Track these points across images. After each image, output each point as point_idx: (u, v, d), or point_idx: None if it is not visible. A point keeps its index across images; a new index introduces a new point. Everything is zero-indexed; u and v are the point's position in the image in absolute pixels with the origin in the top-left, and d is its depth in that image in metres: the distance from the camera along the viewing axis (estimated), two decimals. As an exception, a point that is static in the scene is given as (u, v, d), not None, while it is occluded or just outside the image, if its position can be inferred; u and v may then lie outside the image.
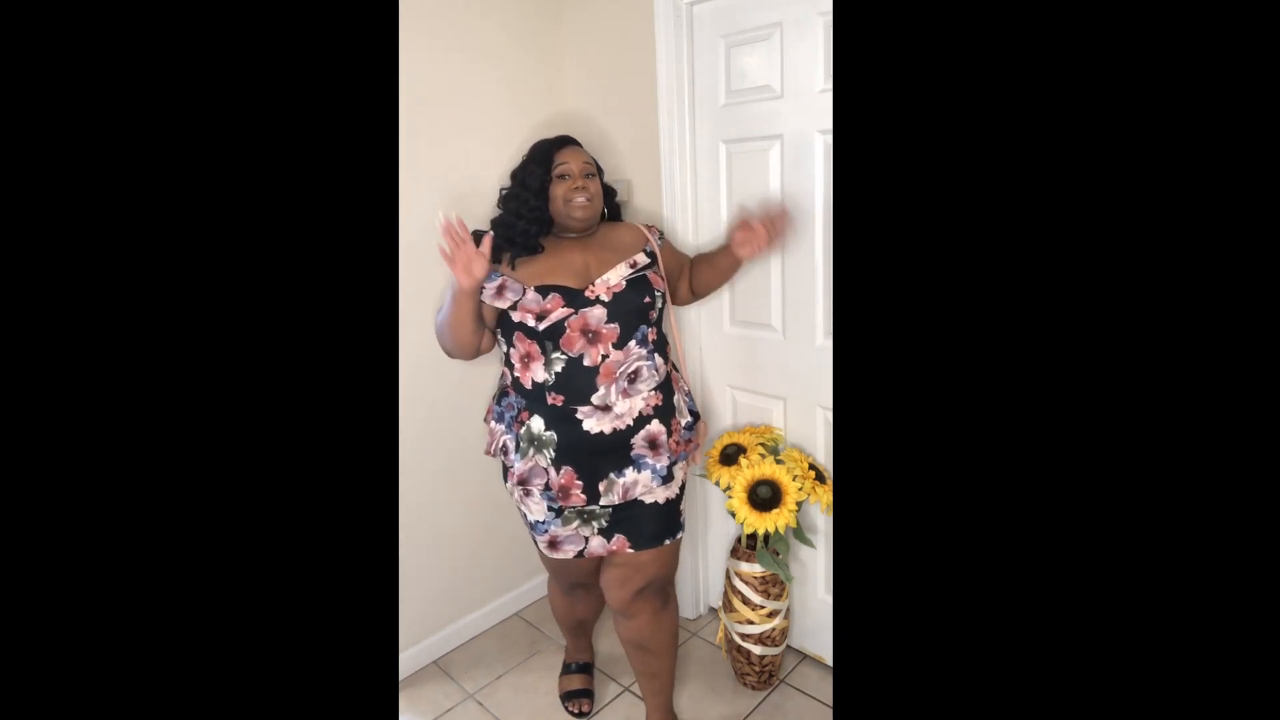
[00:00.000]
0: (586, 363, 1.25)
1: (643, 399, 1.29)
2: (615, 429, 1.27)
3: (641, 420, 1.29)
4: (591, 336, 1.25)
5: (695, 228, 1.75)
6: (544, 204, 1.30)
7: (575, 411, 1.26)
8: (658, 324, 1.35)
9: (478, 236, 1.30)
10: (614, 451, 1.29)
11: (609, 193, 1.45)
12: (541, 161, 1.31)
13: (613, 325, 1.26)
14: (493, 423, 1.39)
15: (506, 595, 2.02)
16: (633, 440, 1.29)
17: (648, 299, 1.30)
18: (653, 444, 1.31)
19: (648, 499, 1.34)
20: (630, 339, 1.28)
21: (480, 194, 1.71)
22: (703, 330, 1.81)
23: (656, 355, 1.32)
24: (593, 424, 1.26)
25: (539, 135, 1.48)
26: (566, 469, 1.29)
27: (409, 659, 1.79)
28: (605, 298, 1.26)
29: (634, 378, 1.28)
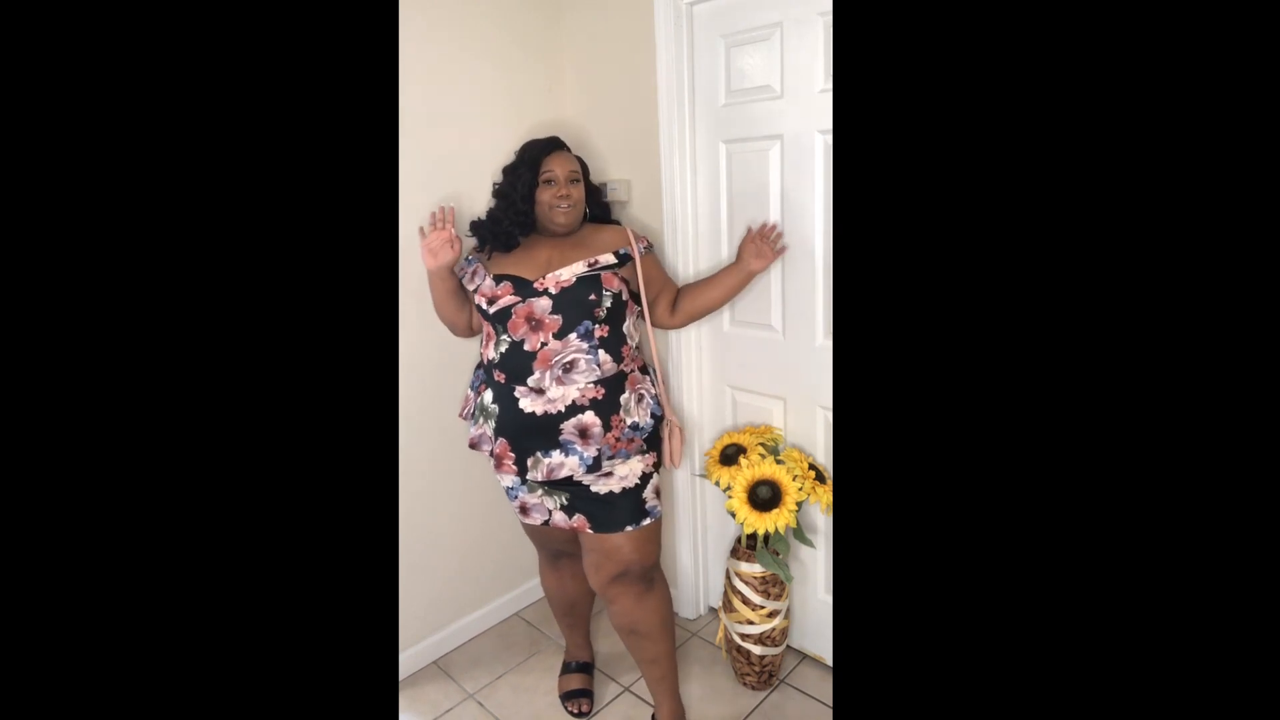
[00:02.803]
0: (526, 347, 1.36)
1: (578, 389, 1.36)
2: (546, 412, 1.36)
3: (575, 409, 1.36)
4: (534, 324, 1.35)
5: (695, 228, 1.74)
6: (529, 207, 1.42)
7: (514, 390, 1.38)
8: (609, 322, 1.39)
9: (476, 227, 1.47)
10: (542, 432, 1.37)
11: (595, 193, 1.54)
12: (530, 166, 1.41)
13: (555, 316, 1.35)
14: (469, 391, 1.53)
15: (506, 595, 2.02)
16: (562, 425, 1.37)
17: (593, 296, 1.37)
18: (583, 433, 1.37)
19: (600, 489, 1.40)
20: (571, 331, 1.36)
21: (480, 193, 1.71)
22: (703, 330, 1.81)
23: (601, 352, 1.37)
24: (527, 403, 1.37)
25: (538, 135, 1.50)
26: (502, 440, 1.40)
27: (409, 659, 1.79)
28: (553, 290, 1.36)
29: (569, 368, 1.36)
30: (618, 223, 1.57)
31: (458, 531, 1.86)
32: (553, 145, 1.45)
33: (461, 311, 1.51)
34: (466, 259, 1.47)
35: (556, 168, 1.41)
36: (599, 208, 1.54)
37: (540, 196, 1.41)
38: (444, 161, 1.67)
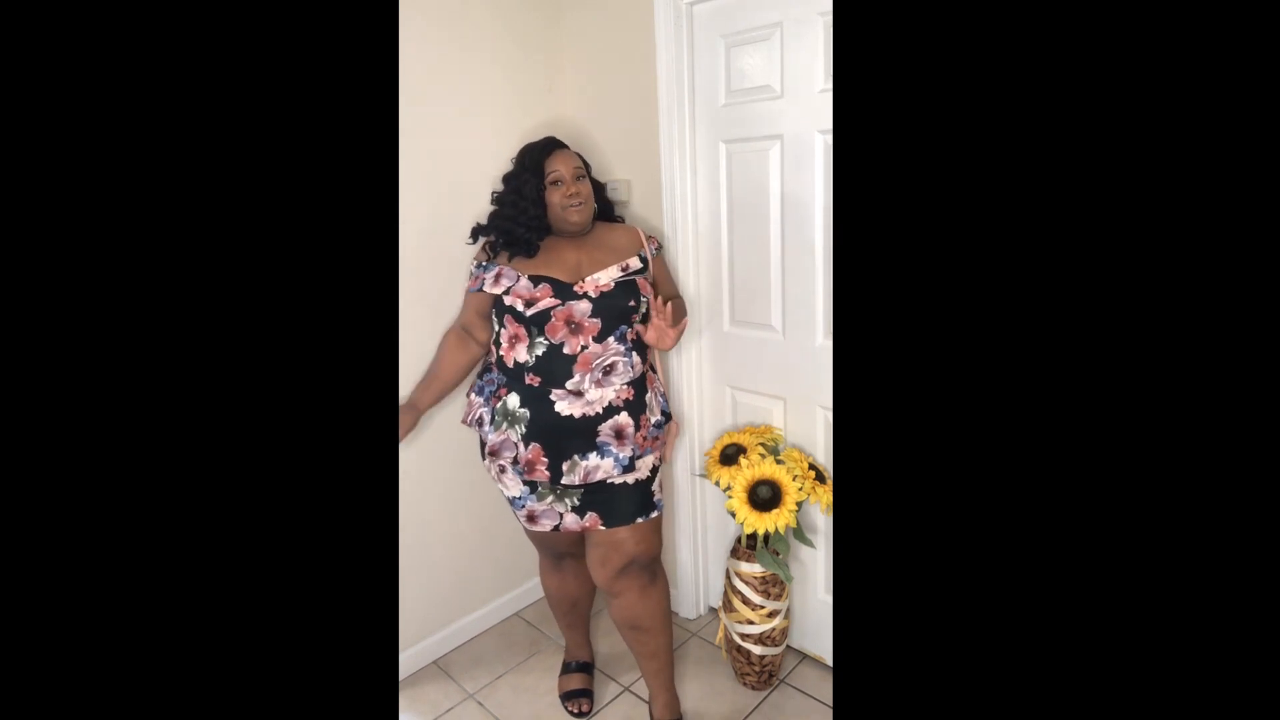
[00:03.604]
0: (566, 350, 1.34)
1: (615, 391, 1.37)
2: (585, 414, 1.36)
3: (611, 410, 1.38)
4: (574, 327, 1.34)
5: (695, 228, 1.75)
6: (542, 212, 1.39)
7: (550, 393, 1.36)
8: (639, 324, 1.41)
9: (478, 231, 1.46)
10: (580, 435, 1.37)
11: (599, 188, 1.53)
12: (534, 170, 1.39)
13: (595, 320, 1.35)
14: (472, 395, 1.49)
15: (506, 595, 2.02)
16: (600, 427, 1.38)
17: (632, 302, 1.38)
18: (619, 434, 1.38)
19: (616, 480, 1.41)
20: (610, 335, 1.36)
21: (479, 193, 1.71)
22: (703, 330, 1.81)
23: (634, 354, 1.40)
24: (564, 406, 1.36)
25: (538, 135, 1.50)
26: (534, 445, 1.38)
27: (409, 659, 1.79)
28: (593, 294, 1.36)
29: (609, 370, 1.36)
30: (622, 219, 1.58)
31: (458, 532, 1.86)
32: (552, 145, 1.43)
33: (469, 354, 1.49)
34: (481, 265, 1.43)
35: (561, 166, 1.39)
36: (604, 204, 1.54)
37: (550, 199, 1.38)
38: (444, 162, 1.67)
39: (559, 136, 1.51)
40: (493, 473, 1.46)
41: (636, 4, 1.68)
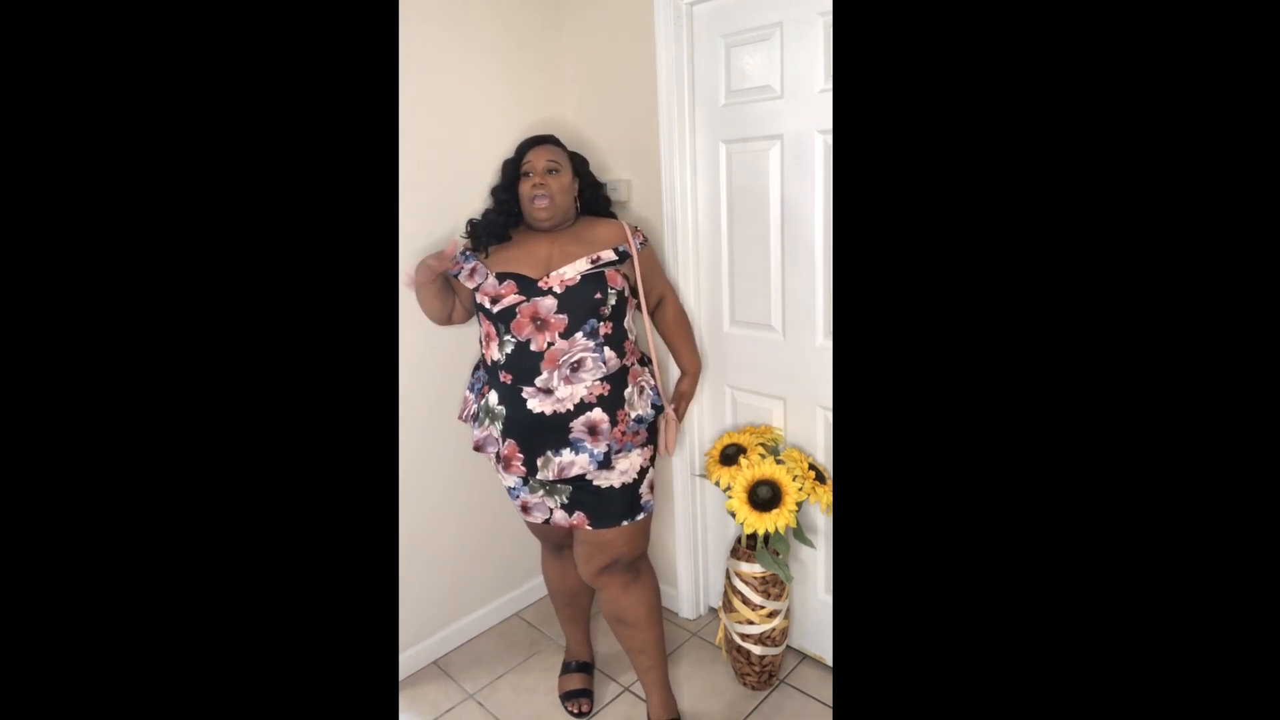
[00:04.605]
0: (533, 347, 1.35)
1: (585, 387, 1.37)
2: (555, 411, 1.37)
3: (583, 406, 1.37)
4: (540, 324, 1.35)
5: (695, 228, 1.74)
6: (510, 196, 1.45)
7: (521, 390, 1.37)
8: (613, 319, 1.40)
9: (471, 225, 1.49)
10: (553, 431, 1.38)
11: (595, 186, 1.53)
12: (514, 160, 1.46)
13: (561, 316, 1.35)
14: (468, 391, 1.54)
15: (506, 595, 2.02)
16: (571, 424, 1.37)
17: (599, 295, 1.37)
18: (592, 430, 1.38)
19: (602, 483, 1.41)
20: (577, 330, 1.36)
21: (479, 193, 1.71)
22: (703, 330, 1.81)
23: (606, 349, 1.39)
24: (535, 404, 1.37)
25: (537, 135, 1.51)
26: (510, 441, 1.41)
27: (409, 659, 1.79)
28: (558, 289, 1.36)
29: (577, 366, 1.36)
30: (614, 216, 1.58)
31: (458, 531, 1.86)
32: (538, 140, 1.47)
33: (445, 304, 1.48)
34: (464, 254, 1.46)
35: (534, 158, 1.43)
36: (599, 202, 1.54)
37: (521, 190, 1.43)
38: (443, 161, 1.67)
39: (559, 136, 1.51)
40: (493, 463, 1.49)
41: (636, 4, 1.68)
